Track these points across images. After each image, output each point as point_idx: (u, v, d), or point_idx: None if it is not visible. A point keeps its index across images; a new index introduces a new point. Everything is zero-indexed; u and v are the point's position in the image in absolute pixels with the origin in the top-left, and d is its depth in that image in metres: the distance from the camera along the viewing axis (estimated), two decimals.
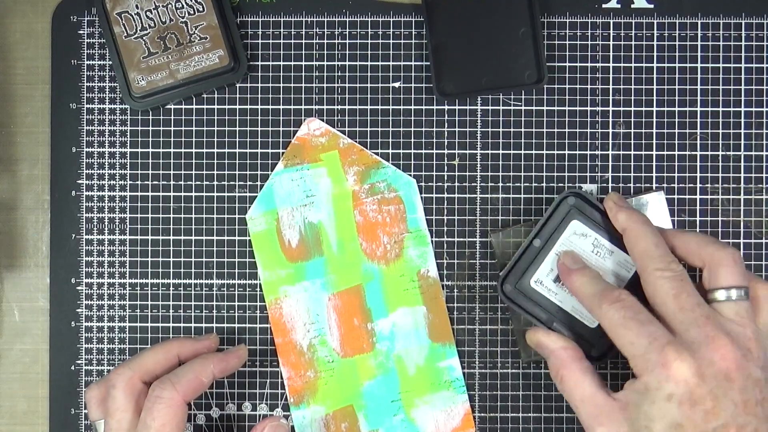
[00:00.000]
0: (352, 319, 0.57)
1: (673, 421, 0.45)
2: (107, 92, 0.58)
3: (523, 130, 0.58)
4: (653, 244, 0.49)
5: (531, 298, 0.54)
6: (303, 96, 0.58)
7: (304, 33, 0.58)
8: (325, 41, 0.58)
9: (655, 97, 0.58)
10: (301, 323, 0.57)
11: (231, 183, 0.58)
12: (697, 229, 0.57)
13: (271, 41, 0.58)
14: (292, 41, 0.58)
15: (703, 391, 0.45)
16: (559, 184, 0.57)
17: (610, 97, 0.57)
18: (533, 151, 0.58)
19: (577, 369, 0.50)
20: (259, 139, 0.58)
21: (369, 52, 0.58)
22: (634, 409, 0.47)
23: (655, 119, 0.58)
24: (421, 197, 0.57)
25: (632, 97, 0.58)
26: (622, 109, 0.58)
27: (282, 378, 0.57)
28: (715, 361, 0.45)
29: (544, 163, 0.57)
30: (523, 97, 0.57)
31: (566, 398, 0.50)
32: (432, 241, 0.57)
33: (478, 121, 0.58)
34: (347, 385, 0.57)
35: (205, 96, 0.58)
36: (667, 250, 0.49)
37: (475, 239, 0.58)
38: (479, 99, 0.58)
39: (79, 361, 0.57)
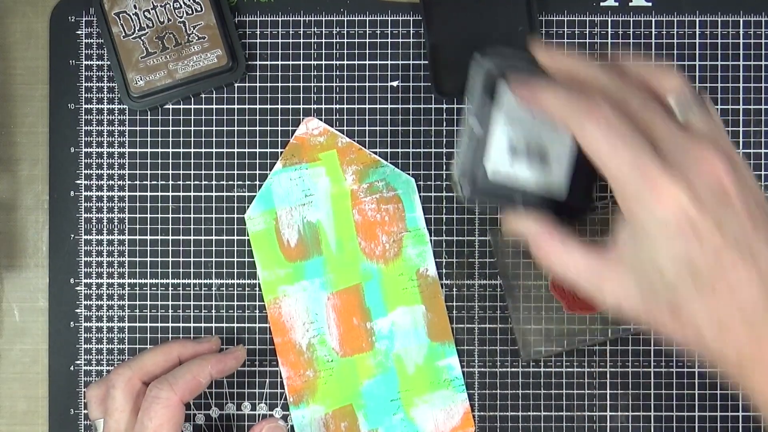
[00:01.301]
0: (351, 318, 0.57)
1: (682, 257, 0.41)
2: (105, 92, 0.58)
3: None
4: (605, 70, 0.45)
5: (494, 193, 0.48)
6: (301, 95, 0.58)
7: (302, 32, 0.58)
8: (323, 41, 0.58)
9: None
10: (300, 323, 0.57)
11: (230, 183, 0.58)
12: None
13: (269, 41, 0.58)
14: (291, 41, 0.58)
15: (702, 215, 0.41)
16: None
17: None
18: None
19: (559, 243, 0.46)
20: (258, 139, 0.58)
21: (367, 51, 0.58)
22: (633, 254, 0.43)
23: None
24: (420, 196, 0.57)
25: None
26: None
27: (281, 377, 0.57)
28: (707, 179, 0.41)
29: None
30: None
31: (562, 276, 0.46)
32: (431, 240, 0.57)
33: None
34: (346, 385, 0.57)
35: (203, 96, 0.58)
36: (621, 81, 0.44)
37: (474, 238, 0.58)
38: None
39: (78, 361, 0.58)
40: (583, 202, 0.49)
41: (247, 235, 0.57)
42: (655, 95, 0.44)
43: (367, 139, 0.58)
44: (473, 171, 0.48)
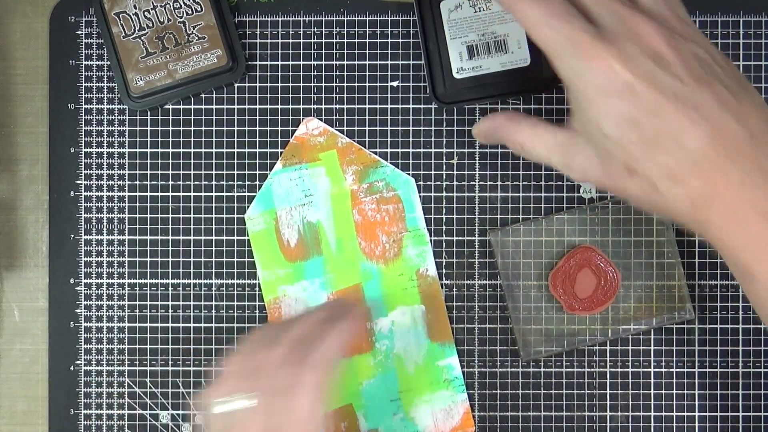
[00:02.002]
0: None
1: (623, 116, 0.43)
2: (105, 92, 0.58)
3: None
4: None
5: (465, 87, 0.54)
6: (301, 95, 0.58)
7: (302, 32, 0.58)
8: (323, 41, 0.58)
9: None
10: None
11: (229, 183, 0.58)
12: None
13: (269, 41, 0.58)
14: (290, 41, 0.58)
15: (635, 74, 0.42)
16: (558, 182, 0.57)
17: None
18: None
19: (527, 127, 0.48)
20: (257, 139, 0.58)
21: (367, 51, 0.58)
22: (583, 124, 0.45)
23: None
24: (420, 196, 0.57)
25: None
26: None
27: None
28: (640, 43, 0.43)
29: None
30: (521, 95, 0.57)
31: (536, 161, 0.48)
32: (431, 240, 0.57)
33: (477, 119, 0.58)
34: (347, 384, 0.57)
35: (203, 96, 0.58)
36: None
37: (474, 238, 0.58)
38: None
39: (78, 361, 0.58)
40: (552, 69, 0.52)
41: (247, 235, 0.57)
42: None
43: (367, 139, 0.58)
44: (444, 75, 0.54)
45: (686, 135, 0.42)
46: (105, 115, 0.58)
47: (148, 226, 0.58)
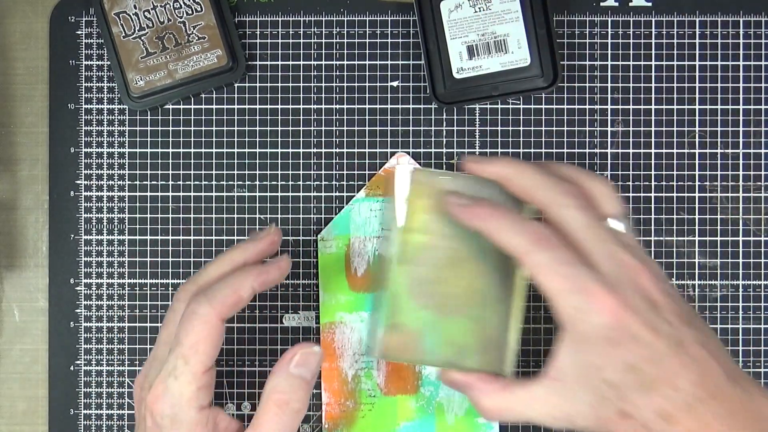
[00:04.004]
0: None
1: (626, 363, 0.44)
2: (105, 92, 0.58)
3: (521, 128, 0.58)
4: (540, 174, 0.48)
5: (465, 88, 0.55)
6: (301, 95, 0.58)
7: (302, 32, 0.58)
8: (323, 41, 0.58)
9: (653, 95, 0.57)
10: (351, 352, 0.56)
11: (229, 183, 0.58)
12: (696, 228, 0.57)
13: (269, 41, 0.58)
14: (291, 41, 0.58)
15: (640, 323, 0.44)
16: None
17: (609, 96, 0.57)
18: (532, 150, 0.58)
19: (499, 386, 0.48)
20: (258, 139, 0.58)
21: (367, 51, 0.58)
22: (576, 367, 0.45)
23: (653, 117, 0.58)
24: None
25: (630, 95, 0.57)
26: (620, 107, 0.57)
27: (321, 401, 0.57)
28: (639, 291, 0.45)
29: (543, 161, 0.57)
30: (521, 95, 0.57)
31: (515, 422, 0.49)
32: None
33: (477, 120, 0.58)
34: (384, 422, 0.56)
35: (203, 96, 0.58)
36: (554, 176, 0.48)
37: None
38: None
39: (78, 361, 0.58)
40: (552, 69, 0.54)
41: (315, 257, 0.57)
42: (586, 198, 0.48)
43: (367, 139, 0.58)
44: (444, 76, 0.54)
45: (680, 378, 0.44)
46: (105, 115, 0.58)
47: (148, 226, 0.58)
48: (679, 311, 0.45)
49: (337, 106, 0.58)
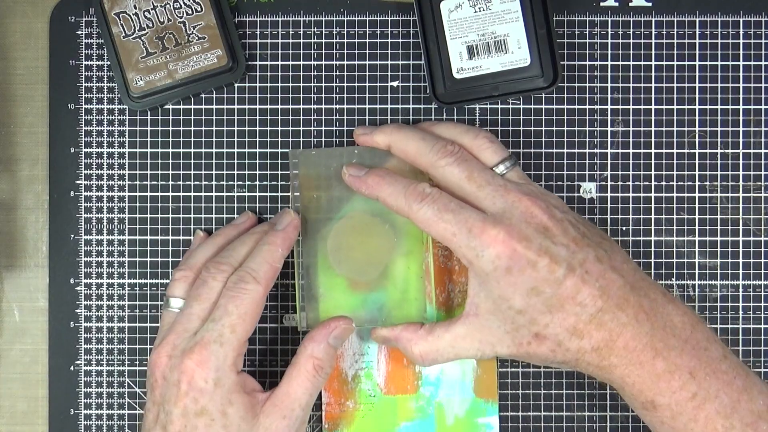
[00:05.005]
0: (402, 358, 0.56)
1: (528, 289, 0.47)
2: (105, 92, 0.58)
3: (521, 128, 0.58)
4: (421, 139, 0.52)
5: (465, 87, 0.55)
6: (301, 95, 0.58)
7: (302, 32, 0.58)
8: (323, 41, 0.58)
9: (653, 95, 0.57)
10: (351, 352, 0.57)
11: (230, 183, 0.58)
12: (696, 228, 0.57)
13: (269, 41, 0.58)
14: (291, 41, 0.58)
15: (533, 250, 0.47)
16: (558, 183, 0.57)
17: (609, 96, 0.57)
18: (532, 150, 0.58)
19: (425, 332, 0.52)
20: (258, 139, 0.58)
21: (367, 51, 0.58)
22: (487, 301, 0.49)
23: (653, 117, 0.58)
24: None
25: (630, 95, 0.57)
26: (620, 107, 0.57)
27: (321, 401, 0.57)
28: (529, 221, 0.48)
29: (543, 161, 0.57)
30: (521, 95, 0.57)
31: (443, 361, 0.51)
32: None
33: (477, 120, 0.58)
34: (384, 422, 0.56)
35: (203, 96, 0.58)
36: (435, 137, 0.52)
37: None
38: None
39: (78, 361, 0.58)
40: (552, 69, 0.55)
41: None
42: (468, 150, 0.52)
43: None
44: (444, 76, 0.55)
45: (582, 295, 0.47)
46: (105, 115, 0.58)
47: (148, 226, 0.58)
48: (574, 233, 0.48)
49: (337, 106, 0.58)
